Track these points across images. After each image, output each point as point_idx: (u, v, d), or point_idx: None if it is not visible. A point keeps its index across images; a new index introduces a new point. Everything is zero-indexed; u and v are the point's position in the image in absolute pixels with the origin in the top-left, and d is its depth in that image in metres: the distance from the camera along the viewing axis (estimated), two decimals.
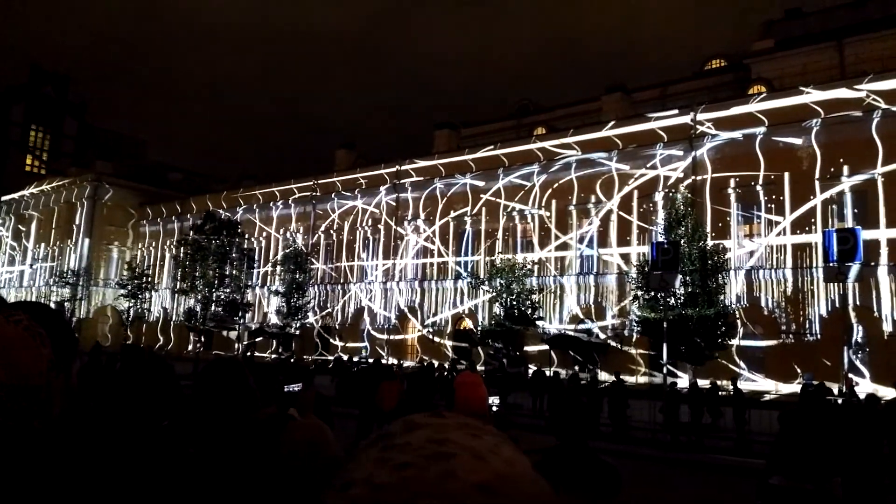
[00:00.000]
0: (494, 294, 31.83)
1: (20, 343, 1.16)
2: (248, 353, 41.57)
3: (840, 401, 16.31)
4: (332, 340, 44.76)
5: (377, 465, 0.61)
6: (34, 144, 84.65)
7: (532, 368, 28.34)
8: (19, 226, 69.79)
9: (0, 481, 1.13)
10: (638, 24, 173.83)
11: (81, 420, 1.64)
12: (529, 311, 31.21)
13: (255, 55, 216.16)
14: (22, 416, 1.14)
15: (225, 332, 44.40)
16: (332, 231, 47.57)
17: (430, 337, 40.00)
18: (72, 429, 1.38)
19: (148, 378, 2.00)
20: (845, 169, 28.31)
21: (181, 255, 41.62)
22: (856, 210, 28.18)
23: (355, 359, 33.34)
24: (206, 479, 1.93)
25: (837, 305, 26.93)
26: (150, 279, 50.47)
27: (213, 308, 39.68)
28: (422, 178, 42.62)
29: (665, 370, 20.39)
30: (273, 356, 40.34)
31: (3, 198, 73.37)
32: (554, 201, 36.67)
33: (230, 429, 2.38)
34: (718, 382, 19.66)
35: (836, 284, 25.07)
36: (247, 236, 46.88)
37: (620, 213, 34.16)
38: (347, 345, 43.06)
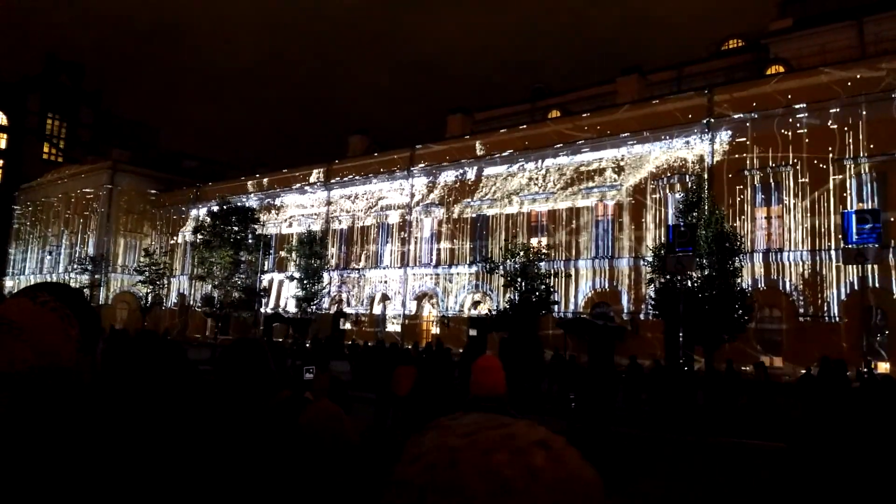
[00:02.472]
0: (509, 278, 31.79)
1: (49, 325, 1.18)
2: (264, 338, 41.89)
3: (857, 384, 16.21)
4: (347, 325, 44.98)
5: (442, 436, 0.73)
6: (51, 133, 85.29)
7: (550, 353, 28.32)
8: (38, 213, 70.61)
9: (28, 462, 1.15)
10: (653, 4, 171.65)
11: (106, 401, 1.66)
12: (544, 296, 31.16)
13: (267, 41, 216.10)
14: (51, 398, 1.16)
15: (241, 318, 44.80)
16: (346, 217, 47.66)
17: (445, 322, 40.09)
18: (97, 409, 1.40)
19: (160, 361, 2.02)
20: (865, 149, 27.92)
21: (197, 241, 41.96)
22: (875, 191, 27.81)
23: (370, 343, 33.51)
24: (219, 460, 1.95)
25: (856, 287, 26.69)
26: (167, 265, 50.96)
27: (229, 294, 40.04)
28: (435, 163, 42.55)
29: (680, 353, 20.33)
30: (289, 340, 40.62)
31: (22, 186, 74.18)
32: (569, 184, 36.48)
33: (249, 409, 2.40)
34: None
35: (855, 266, 24.81)
36: (262, 222, 47.15)
37: (636, 195, 33.92)
38: (363, 329, 43.28)
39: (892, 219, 26.46)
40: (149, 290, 49.50)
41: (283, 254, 49.39)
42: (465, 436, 0.71)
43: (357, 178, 47.05)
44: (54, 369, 1.16)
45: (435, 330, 40.50)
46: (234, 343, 2.68)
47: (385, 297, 44.02)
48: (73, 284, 47.49)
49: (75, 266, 58.41)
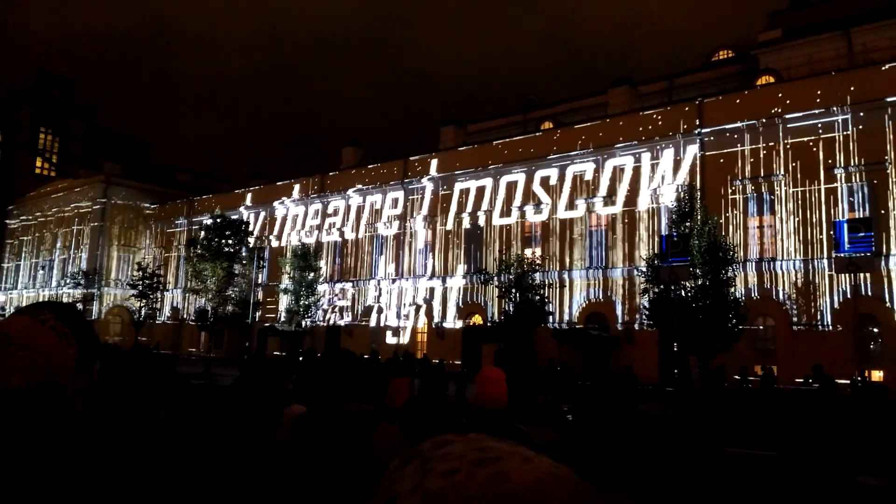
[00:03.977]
0: (503, 289, 31.80)
1: (48, 342, 1.19)
2: (255, 351, 41.75)
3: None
4: (341, 337, 44.84)
5: (422, 476, 0.60)
6: (43, 147, 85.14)
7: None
8: (30, 228, 70.32)
9: (22, 478, 1.16)
10: (643, 16, 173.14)
11: (101, 418, 1.67)
12: (538, 306, 31.17)
13: (260, 54, 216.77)
14: (47, 415, 1.17)
15: (235, 331, 44.61)
16: (340, 228, 47.64)
17: (440, 333, 40.03)
18: (93, 427, 1.41)
19: (145, 372, 2.03)
20: (855, 158, 28.13)
21: (191, 254, 41.81)
22: (867, 200, 27.98)
23: (365, 356, 33.39)
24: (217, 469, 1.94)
25: (849, 296, 26.79)
26: (160, 279, 50.72)
27: (223, 307, 39.87)
28: (428, 174, 42.63)
29: (675, 361, 20.34)
30: (282, 353, 40.48)
31: (14, 200, 73.92)
32: (561, 195, 36.59)
33: (329, 422, 2.37)
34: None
35: (847, 275, 24.92)
36: (255, 235, 47.06)
37: (628, 206, 34.05)
38: (357, 342, 43.15)
39: (883, 227, 26.63)
40: (142, 304, 49.24)
41: (277, 266, 49.34)
42: (447, 475, 0.59)
43: (350, 189, 47.08)
44: (50, 386, 1.17)
45: (433, 341, 40.40)
46: (328, 352, 2.65)
47: (379, 309, 43.93)
48: (65, 299, 47.28)
49: (68, 280, 58.11)
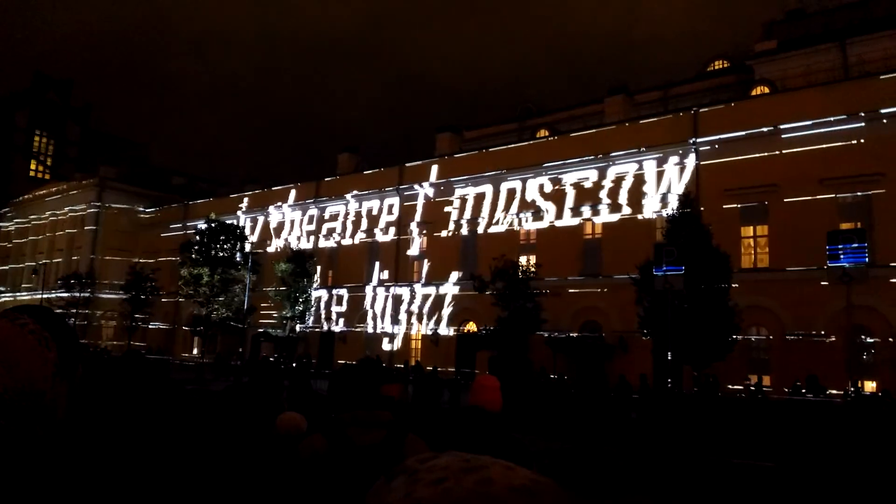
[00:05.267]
0: (498, 296, 31.76)
1: (26, 347, 1.16)
2: (249, 356, 41.61)
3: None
4: (335, 344, 44.72)
5: (411, 485, 0.63)
6: (38, 150, 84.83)
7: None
8: (24, 231, 70.03)
9: (3, 482, 1.13)
10: (639, 26, 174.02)
11: (84, 424, 1.64)
12: (533, 314, 31.12)
13: (255, 58, 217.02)
14: (25, 421, 1.14)
15: (229, 336, 44.44)
16: (335, 234, 47.60)
17: (434, 340, 39.94)
18: (74, 433, 1.38)
19: (137, 377, 2.02)
20: (850, 169, 28.22)
21: (185, 259, 41.69)
22: (861, 210, 28.07)
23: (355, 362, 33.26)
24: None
25: (843, 306, 26.82)
26: (154, 283, 50.57)
27: (217, 312, 39.76)
28: (425, 181, 42.64)
29: (669, 371, 20.32)
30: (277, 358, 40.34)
31: (8, 203, 73.64)
32: (557, 203, 36.62)
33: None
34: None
35: (841, 285, 24.95)
36: (250, 240, 46.95)
37: (623, 215, 34.09)
38: (351, 348, 43.05)
39: (878, 237, 26.70)
40: (135, 309, 49.04)
41: (271, 272, 49.25)
42: (435, 484, 0.62)
43: (346, 195, 47.06)
44: (28, 392, 1.14)
45: (427, 348, 40.33)
46: (350, 365, 3.01)
47: (374, 315, 43.85)
48: (59, 303, 46.90)
49: (62, 284, 57.85)
